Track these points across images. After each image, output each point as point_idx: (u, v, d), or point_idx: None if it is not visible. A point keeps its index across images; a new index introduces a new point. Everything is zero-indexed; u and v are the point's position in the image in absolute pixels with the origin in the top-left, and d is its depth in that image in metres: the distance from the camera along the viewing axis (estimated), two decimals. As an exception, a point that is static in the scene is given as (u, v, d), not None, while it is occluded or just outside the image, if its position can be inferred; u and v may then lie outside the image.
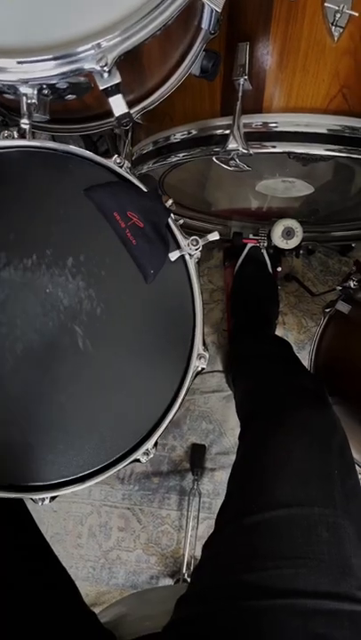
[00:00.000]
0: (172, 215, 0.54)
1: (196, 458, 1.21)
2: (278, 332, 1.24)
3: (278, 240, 1.03)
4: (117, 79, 0.43)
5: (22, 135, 0.53)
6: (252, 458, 0.62)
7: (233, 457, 0.69)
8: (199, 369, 0.55)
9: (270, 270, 1.15)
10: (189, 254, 0.53)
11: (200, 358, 0.54)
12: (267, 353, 0.94)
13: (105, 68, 0.40)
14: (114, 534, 1.23)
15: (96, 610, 0.62)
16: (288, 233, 1.02)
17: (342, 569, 0.46)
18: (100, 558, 1.22)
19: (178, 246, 0.54)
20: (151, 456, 0.54)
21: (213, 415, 1.23)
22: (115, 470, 0.54)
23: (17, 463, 0.54)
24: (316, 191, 0.97)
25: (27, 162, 0.55)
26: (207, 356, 0.55)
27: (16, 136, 0.54)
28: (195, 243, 0.51)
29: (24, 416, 0.54)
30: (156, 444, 0.54)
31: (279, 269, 1.19)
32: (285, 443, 0.58)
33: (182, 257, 0.54)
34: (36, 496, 0.53)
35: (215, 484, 1.21)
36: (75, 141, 1.06)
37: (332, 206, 1.08)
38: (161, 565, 1.21)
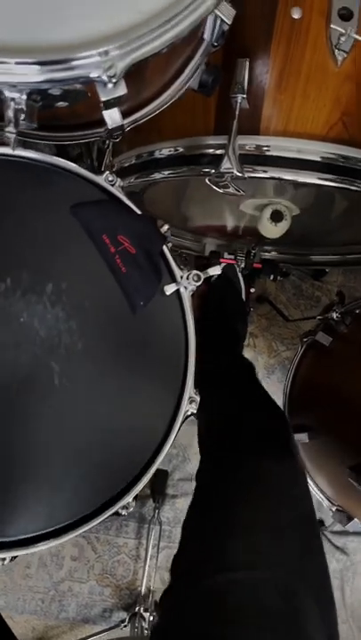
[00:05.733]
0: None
1: (158, 484, 1.15)
2: (248, 354, 1.20)
3: (267, 224, 0.88)
4: (122, 91, 0.37)
5: (2, 142, 0.46)
6: (205, 506, 0.58)
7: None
8: (189, 413, 0.50)
9: (244, 291, 1.12)
10: (185, 287, 0.48)
11: (191, 402, 0.49)
12: (230, 379, 0.90)
13: (112, 79, 0.35)
14: (66, 564, 1.15)
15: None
16: (277, 216, 0.88)
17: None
18: (49, 590, 1.14)
19: (172, 277, 0.49)
20: (130, 509, 0.49)
21: (177, 440, 1.18)
22: (87, 528, 0.48)
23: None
24: (299, 213, 0.94)
25: (4, 172, 0.48)
26: (198, 399, 0.49)
27: (-7, 142, 0.48)
28: (196, 278, 0.46)
29: (-13, 463, 0.47)
30: (136, 497, 0.49)
31: (252, 290, 1.16)
32: (238, 494, 0.54)
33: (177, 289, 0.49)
34: (-3, 556, 0.46)
35: (177, 512, 1.16)
36: (46, 145, 0.99)
37: (310, 229, 1.06)
38: (115, 598, 1.14)
